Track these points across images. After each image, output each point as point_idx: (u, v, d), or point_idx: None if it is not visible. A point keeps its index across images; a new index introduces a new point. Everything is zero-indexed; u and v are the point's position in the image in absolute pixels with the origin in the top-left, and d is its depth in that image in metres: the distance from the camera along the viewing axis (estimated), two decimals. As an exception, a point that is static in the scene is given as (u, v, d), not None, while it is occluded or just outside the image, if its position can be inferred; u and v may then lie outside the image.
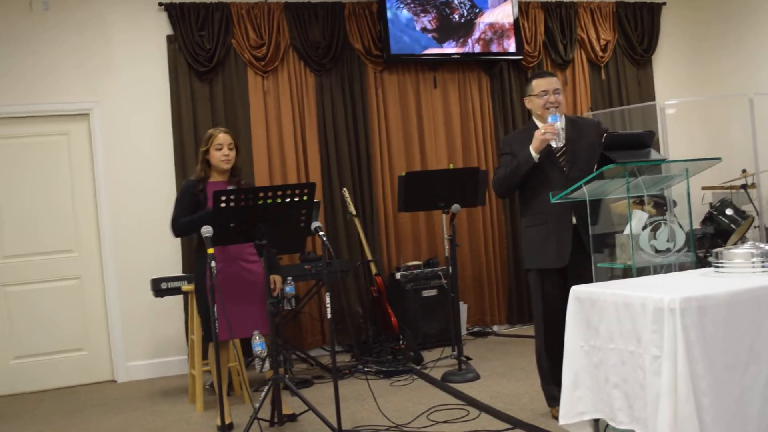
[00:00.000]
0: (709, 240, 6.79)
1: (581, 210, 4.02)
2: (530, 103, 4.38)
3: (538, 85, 4.31)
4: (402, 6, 7.12)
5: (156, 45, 6.71)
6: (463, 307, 7.15)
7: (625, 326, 2.87)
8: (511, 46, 7.48)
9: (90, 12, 6.57)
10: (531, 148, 4.18)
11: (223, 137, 4.75)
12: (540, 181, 4.26)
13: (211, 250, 4.04)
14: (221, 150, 4.73)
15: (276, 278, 4.85)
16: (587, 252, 4.07)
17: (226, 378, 4.99)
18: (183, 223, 4.70)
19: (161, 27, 6.71)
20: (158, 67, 6.71)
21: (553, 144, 4.14)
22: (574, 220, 4.19)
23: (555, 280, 4.28)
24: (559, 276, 4.27)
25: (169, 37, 6.71)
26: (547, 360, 4.33)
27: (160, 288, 5.76)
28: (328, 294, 4.27)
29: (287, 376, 5.52)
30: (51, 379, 6.41)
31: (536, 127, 4.27)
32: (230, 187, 4.55)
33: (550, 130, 4.10)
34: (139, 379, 6.54)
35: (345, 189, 6.86)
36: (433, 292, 6.84)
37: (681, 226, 3.96)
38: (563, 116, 4.31)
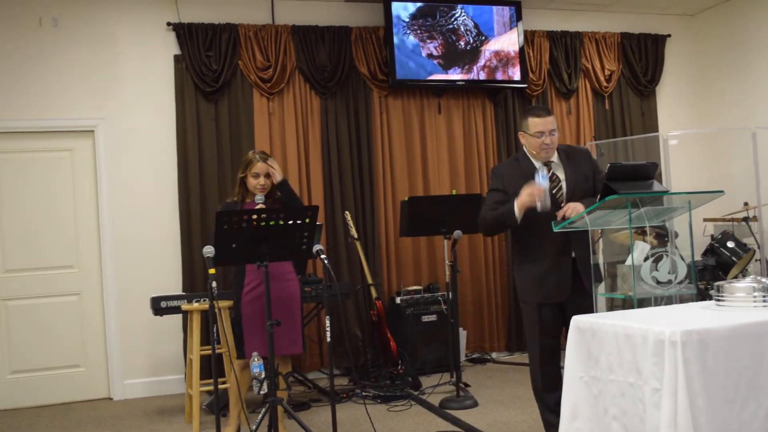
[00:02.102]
0: (710, 272, 6.78)
1: (580, 243, 4.02)
2: (524, 139, 4.26)
3: (534, 124, 4.17)
4: (408, 32, 7.17)
5: (163, 64, 6.74)
6: (463, 334, 7.14)
7: (626, 357, 2.86)
8: (516, 74, 7.52)
9: (99, 29, 6.61)
10: (516, 204, 4.05)
11: (261, 167, 4.71)
12: (537, 216, 4.09)
13: (212, 271, 4.03)
14: (258, 179, 4.72)
15: None
16: (585, 286, 4.07)
17: (237, 395, 4.88)
18: None
19: (169, 46, 6.75)
20: (164, 86, 6.74)
21: (538, 206, 3.98)
22: (573, 254, 4.14)
23: (552, 311, 4.18)
24: (557, 307, 4.19)
25: (176, 57, 6.75)
26: (543, 389, 4.25)
27: (159, 307, 5.75)
28: (328, 317, 4.26)
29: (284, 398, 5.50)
30: (47, 395, 6.39)
31: (527, 160, 4.23)
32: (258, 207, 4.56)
33: (536, 193, 3.97)
34: (135, 397, 6.50)
35: (347, 212, 6.86)
36: (433, 318, 6.82)
37: (682, 258, 3.96)
38: (555, 168, 4.25)
